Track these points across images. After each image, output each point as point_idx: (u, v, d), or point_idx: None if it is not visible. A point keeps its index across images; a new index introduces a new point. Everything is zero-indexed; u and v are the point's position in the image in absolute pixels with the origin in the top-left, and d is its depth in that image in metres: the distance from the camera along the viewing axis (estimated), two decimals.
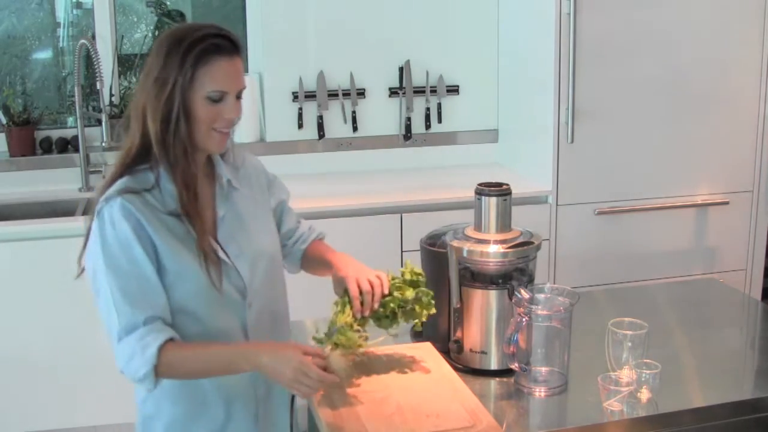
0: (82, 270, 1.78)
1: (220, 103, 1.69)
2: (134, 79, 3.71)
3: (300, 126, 3.65)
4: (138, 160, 1.72)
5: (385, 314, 1.91)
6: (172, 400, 1.80)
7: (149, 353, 1.63)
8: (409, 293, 1.91)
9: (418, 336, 2.12)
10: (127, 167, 1.73)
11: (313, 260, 2.06)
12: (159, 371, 1.65)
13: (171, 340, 1.65)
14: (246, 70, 3.68)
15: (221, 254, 1.75)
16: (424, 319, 1.92)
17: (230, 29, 1.72)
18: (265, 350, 1.69)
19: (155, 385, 1.67)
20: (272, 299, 1.90)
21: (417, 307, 1.91)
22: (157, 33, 3.76)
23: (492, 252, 1.91)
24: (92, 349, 3.07)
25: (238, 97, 1.73)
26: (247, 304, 1.80)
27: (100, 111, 3.42)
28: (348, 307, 1.89)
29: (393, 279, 1.96)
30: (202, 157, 1.77)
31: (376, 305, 1.88)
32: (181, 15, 3.79)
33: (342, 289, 1.92)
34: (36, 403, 3.07)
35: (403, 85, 3.73)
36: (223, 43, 1.67)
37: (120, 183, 1.71)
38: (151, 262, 1.67)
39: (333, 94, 3.68)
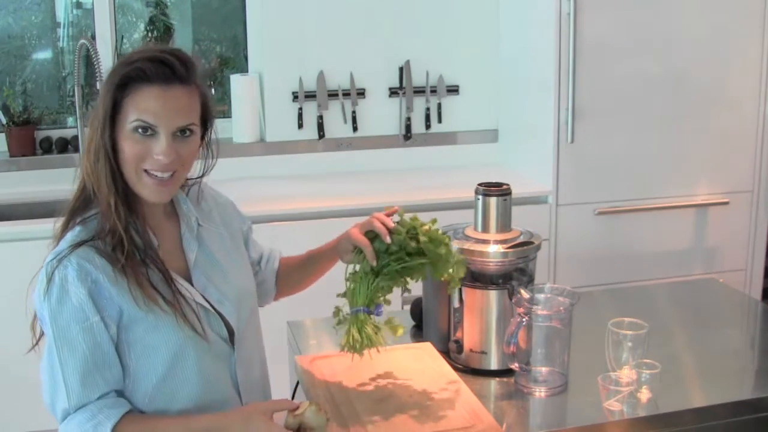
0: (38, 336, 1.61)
1: (151, 138, 1.47)
2: None
3: (300, 126, 3.65)
4: (84, 205, 1.55)
5: (408, 252, 1.71)
6: None
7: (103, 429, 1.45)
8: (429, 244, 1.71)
9: (417, 336, 2.12)
10: (75, 213, 1.56)
11: (295, 268, 1.93)
12: None
13: (126, 413, 1.47)
14: (246, 70, 3.69)
15: (200, 300, 1.57)
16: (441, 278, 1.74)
17: (185, 55, 1.49)
18: (233, 422, 1.48)
19: None
20: (257, 342, 1.76)
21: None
22: (157, 35, 3.76)
23: (492, 252, 1.91)
24: None
25: (181, 135, 1.49)
26: (235, 353, 1.63)
27: None
28: (364, 262, 1.73)
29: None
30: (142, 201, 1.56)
31: (390, 225, 1.69)
32: (168, 28, 3.79)
33: (350, 251, 1.75)
34: (36, 403, 3.06)
35: (403, 85, 3.73)
36: (156, 69, 1.45)
37: (71, 236, 1.51)
38: (108, 328, 1.48)
39: (333, 94, 3.68)
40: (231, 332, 1.63)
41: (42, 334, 1.59)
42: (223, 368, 1.62)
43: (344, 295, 1.80)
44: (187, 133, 1.50)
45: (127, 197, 1.51)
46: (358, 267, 1.80)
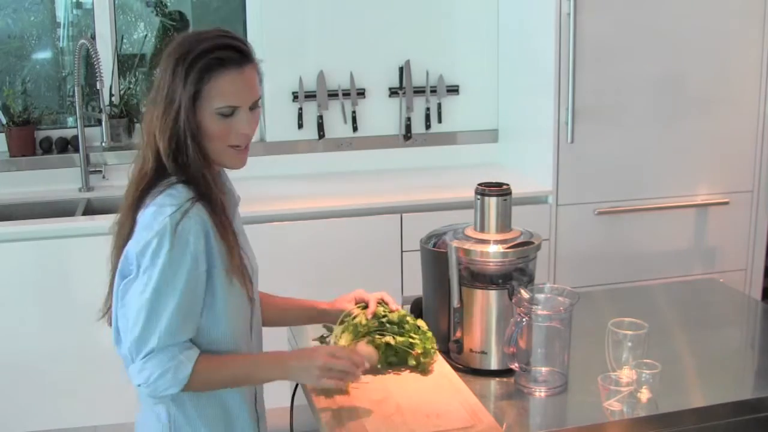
0: (108, 309, 1.73)
1: (232, 117, 1.61)
2: (134, 79, 3.71)
3: (300, 126, 3.65)
4: (154, 182, 1.64)
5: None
6: (206, 423, 1.72)
7: (183, 374, 1.60)
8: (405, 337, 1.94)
9: None
10: (151, 186, 1.64)
11: (273, 307, 1.98)
12: (186, 387, 1.62)
13: (199, 357, 1.62)
14: None
15: (248, 268, 1.71)
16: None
17: (237, 34, 1.65)
18: (292, 355, 1.76)
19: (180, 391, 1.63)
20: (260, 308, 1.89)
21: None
22: (157, 36, 3.76)
23: (492, 252, 1.91)
24: (92, 349, 3.07)
25: (253, 107, 1.65)
26: (253, 311, 1.77)
27: (100, 111, 3.42)
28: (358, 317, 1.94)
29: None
30: (216, 174, 1.69)
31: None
32: (181, 15, 3.79)
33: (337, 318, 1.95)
34: (36, 403, 3.07)
35: (403, 85, 3.73)
36: (230, 55, 1.59)
37: (183, 192, 1.60)
38: (207, 279, 1.62)
39: (333, 94, 3.68)
40: (253, 293, 1.77)
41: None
42: (246, 323, 1.76)
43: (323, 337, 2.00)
44: (257, 104, 1.65)
45: (204, 175, 1.63)
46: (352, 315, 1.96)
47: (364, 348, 1.86)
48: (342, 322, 1.95)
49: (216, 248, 1.61)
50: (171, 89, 1.59)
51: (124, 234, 1.67)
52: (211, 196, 1.62)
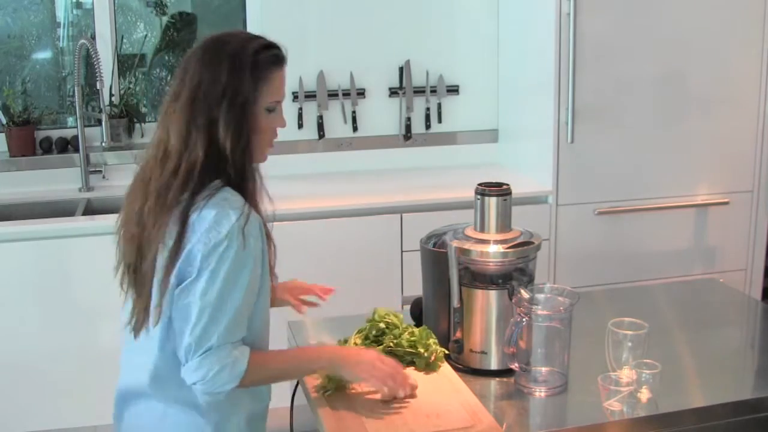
0: (159, 318, 1.67)
1: (275, 113, 1.70)
2: (134, 79, 3.71)
3: (300, 126, 3.65)
4: (203, 176, 1.64)
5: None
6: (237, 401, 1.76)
7: (240, 369, 1.64)
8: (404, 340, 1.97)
9: None
10: (198, 183, 1.64)
11: None
12: (240, 383, 1.66)
13: (251, 352, 1.68)
14: None
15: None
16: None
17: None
18: (343, 349, 1.87)
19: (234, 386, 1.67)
20: None
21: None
22: (163, 35, 3.76)
23: (492, 252, 1.91)
24: (92, 349, 3.07)
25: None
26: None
27: (100, 111, 3.42)
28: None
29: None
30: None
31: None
32: (188, 15, 3.79)
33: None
34: (36, 403, 3.07)
35: (403, 85, 3.73)
36: (279, 53, 1.69)
37: (237, 198, 1.65)
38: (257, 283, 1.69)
39: (333, 94, 3.68)
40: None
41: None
42: (268, 308, 1.82)
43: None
44: None
45: (252, 169, 1.72)
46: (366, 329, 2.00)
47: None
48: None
49: (265, 249, 1.70)
50: (232, 86, 1.62)
51: (162, 234, 1.63)
52: (256, 195, 1.71)
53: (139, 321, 1.69)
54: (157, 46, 3.76)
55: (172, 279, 1.64)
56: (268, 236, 1.74)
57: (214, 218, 1.61)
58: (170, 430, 1.74)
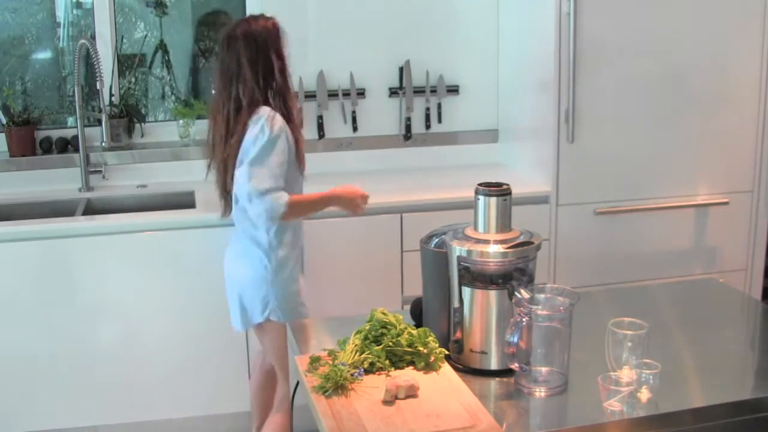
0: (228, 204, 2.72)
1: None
2: (134, 79, 3.72)
3: (300, 126, 3.65)
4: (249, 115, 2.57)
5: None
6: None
7: (284, 201, 2.51)
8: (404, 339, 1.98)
9: None
10: (247, 119, 2.55)
11: None
12: (286, 212, 2.52)
13: (290, 195, 2.55)
14: None
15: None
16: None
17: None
18: (337, 193, 2.73)
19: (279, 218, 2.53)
20: None
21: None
22: (167, 34, 3.77)
23: (492, 252, 1.91)
24: (92, 349, 3.08)
25: None
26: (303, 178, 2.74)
27: (100, 111, 3.42)
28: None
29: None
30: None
31: None
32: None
33: None
34: (36, 403, 3.07)
35: (403, 85, 3.73)
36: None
37: (265, 108, 2.55)
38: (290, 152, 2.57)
39: (333, 94, 3.68)
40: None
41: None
42: (301, 183, 2.75)
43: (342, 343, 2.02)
44: None
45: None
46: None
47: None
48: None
49: (290, 145, 2.58)
50: (263, 57, 2.57)
51: (232, 143, 2.58)
52: (290, 116, 2.61)
53: (227, 210, 2.74)
54: (160, 44, 3.76)
55: (236, 167, 2.56)
56: (297, 132, 2.64)
57: (254, 122, 2.54)
58: (249, 260, 2.66)
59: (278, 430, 2.74)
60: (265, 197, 2.49)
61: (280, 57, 2.60)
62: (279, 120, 2.53)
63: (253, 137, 2.52)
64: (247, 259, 2.67)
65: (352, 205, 2.72)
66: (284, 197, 2.51)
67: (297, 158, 2.63)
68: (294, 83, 3.61)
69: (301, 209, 2.63)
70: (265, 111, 2.55)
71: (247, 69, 2.55)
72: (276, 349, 2.73)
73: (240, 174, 2.54)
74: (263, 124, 2.51)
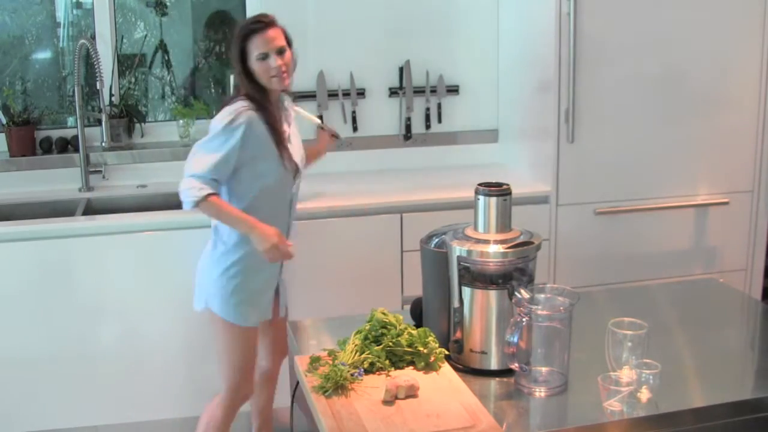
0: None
1: (267, 60, 2.54)
2: (134, 79, 3.72)
3: (300, 126, 3.64)
4: (232, 99, 2.60)
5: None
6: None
7: (202, 194, 2.45)
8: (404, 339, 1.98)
9: None
10: (229, 102, 2.59)
11: None
12: (200, 206, 2.47)
13: (215, 194, 2.49)
14: None
15: (294, 156, 2.65)
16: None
17: (267, 13, 2.60)
18: (258, 226, 2.51)
19: (195, 208, 2.49)
20: (296, 198, 2.76)
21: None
22: (167, 34, 3.77)
23: (492, 252, 1.91)
24: (92, 349, 3.08)
25: (280, 52, 2.55)
26: (295, 181, 2.68)
27: (100, 111, 3.42)
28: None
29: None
30: (275, 95, 2.63)
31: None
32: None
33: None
34: (36, 403, 3.07)
35: (403, 85, 3.73)
36: (256, 24, 2.55)
37: (239, 102, 2.54)
38: (241, 153, 2.50)
39: (333, 94, 3.68)
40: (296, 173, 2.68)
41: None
42: (287, 193, 2.68)
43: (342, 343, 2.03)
44: (283, 50, 2.57)
45: (262, 95, 2.59)
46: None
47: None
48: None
49: (261, 133, 2.53)
50: (235, 50, 2.57)
51: None
52: (266, 107, 2.57)
53: None
54: (160, 44, 3.76)
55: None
56: (279, 134, 2.59)
57: (226, 108, 2.56)
58: (210, 243, 2.70)
59: (212, 424, 2.73)
60: (190, 179, 2.48)
61: (246, 50, 2.55)
62: (244, 117, 2.51)
63: (216, 122, 2.54)
64: (209, 241, 2.69)
65: (264, 245, 2.49)
66: (205, 191, 2.46)
67: (277, 150, 2.58)
68: (294, 83, 3.63)
69: (214, 212, 2.53)
70: (237, 103, 2.56)
71: (234, 61, 2.60)
72: (217, 343, 2.69)
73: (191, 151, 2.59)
74: (226, 115, 2.52)
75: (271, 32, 2.57)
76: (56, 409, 3.08)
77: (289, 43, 2.63)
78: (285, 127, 2.66)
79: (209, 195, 2.46)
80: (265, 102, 2.58)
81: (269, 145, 2.56)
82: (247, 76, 2.58)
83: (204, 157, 2.50)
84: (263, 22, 2.57)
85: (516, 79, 3.67)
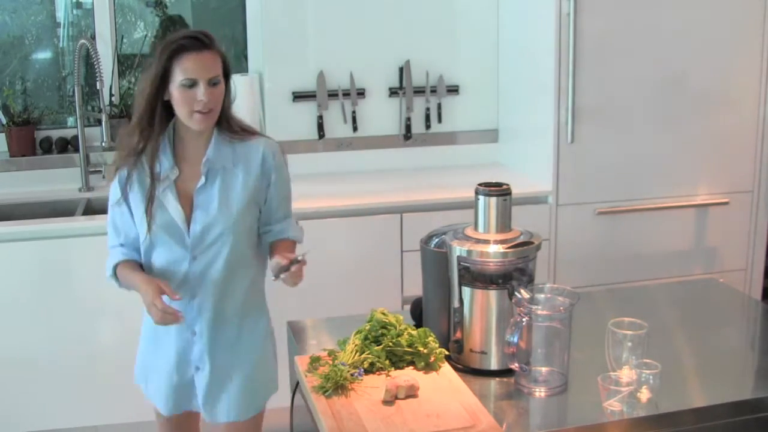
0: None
1: (194, 89, 2.02)
2: (134, 79, 3.72)
3: (300, 126, 3.65)
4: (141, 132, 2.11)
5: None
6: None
7: (110, 264, 2.16)
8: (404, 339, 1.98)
9: None
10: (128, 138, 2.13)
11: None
12: (117, 275, 2.16)
13: (127, 260, 2.14)
14: (246, 70, 3.70)
15: (171, 205, 2.11)
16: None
17: (207, 31, 2.08)
18: (142, 282, 2.08)
19: (115, 281, 2.18)
20: (222, 269, 2.13)
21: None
22: (158, 36, 3.76)
23: (492, 252, 1.91)
24: (92, 349, 3.07)
25: (213, 84, 2.04)
26: (191, 257, 2.12)
27: (100, 111, 3.42)
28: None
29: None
30: (193, 133, 2.10)
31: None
32: (181, 18, 3.80)
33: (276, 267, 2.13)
34: (36, 403, 3.07)
35: (403, 85, 3.73)
36: (191, 42, 2.03)
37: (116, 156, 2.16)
38: (128, 208, 2.13)
39: (333, 94, 3.68)
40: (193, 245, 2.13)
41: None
42: (179, 263, 2.13)
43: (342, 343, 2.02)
44: (216, 81, 2.05)
45: (161, 131, 2.11)
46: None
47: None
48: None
49: (137, 189, 2.11)
50: (152, 69, 2.05)
51: None
52: (156, 151, 2.10)
53: None
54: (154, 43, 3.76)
55: None
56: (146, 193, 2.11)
57: None
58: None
59: None
60: (109, 251, 2.20)
61: (170, 70, 2.04)
62: (122, 173, 2.13)
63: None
64: None
65: (145, 300, 2.06)
66: (112, 260, 2.17)
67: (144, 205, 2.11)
68: (294, 83, 3.65)
69: (122, 279, 2.16)
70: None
71: (148, 80, 2.09)
72: None
73: None
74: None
75: (208, 56, 2.04)
76: (56, 409, 3.08)
77: (226, 74, 2.10)
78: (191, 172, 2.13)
79: (120, 262, 2.15)
80: (158, 137, 2.09)
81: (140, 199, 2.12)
82: (157, 100, 2.06)
83: (108, 225, 2.21)
84: (200, 41, 2.04)
85: (516, 79, 3.67)
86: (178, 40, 2.04)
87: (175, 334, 2.17)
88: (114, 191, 2.15)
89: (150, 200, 2.09)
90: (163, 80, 2.04)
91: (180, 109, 2.05)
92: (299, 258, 2.07)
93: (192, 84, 2.01)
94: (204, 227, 2.10)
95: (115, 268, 2.17)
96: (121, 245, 2.17)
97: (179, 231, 2.10)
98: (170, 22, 3.77)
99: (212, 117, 2.07)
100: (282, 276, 2.04)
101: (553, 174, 3.32)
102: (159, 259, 2.13)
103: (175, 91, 2.03)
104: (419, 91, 3.75)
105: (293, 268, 2.04)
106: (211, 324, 2.14)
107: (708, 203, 3.48)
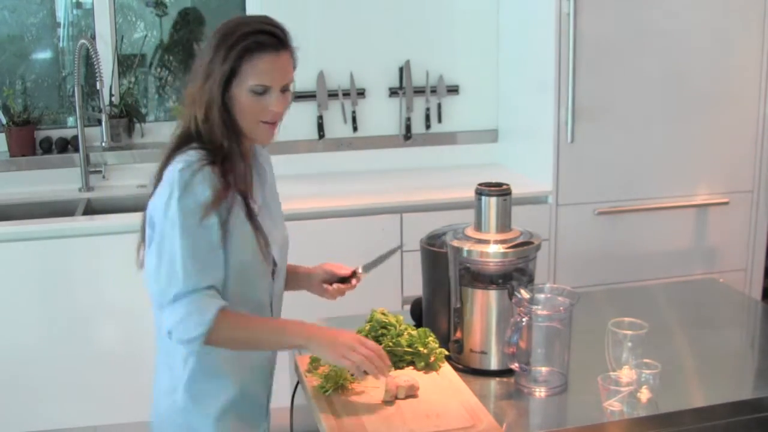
0: (142, 263, 1.80)
1: (264, 96, 1.74)
2: (134, 79, 3.72)
3: (300, 126, 3.65)
4: (184, 143, 1.76)
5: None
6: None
7: (208, 316, 1.65)
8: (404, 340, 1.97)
9: None
10: (176, 150, 1.75)
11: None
12: (209, 336, 1.66)
13: (225, 308, 1.69)
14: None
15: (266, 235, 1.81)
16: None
17: (278, 22, 1.79)
18: (322, 328, 1.77)
19: (200, 347, 1.69)
20: (283, 281, 1.97)
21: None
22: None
23: (492, 252, 1.91)
24: (92, 349, 3.08)
25: (285, 90, 1.77)
26: (274, 282, 1.88)
27: (100, 111, 3.42)
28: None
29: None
30: (247, 145, 1.81)
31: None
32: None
33: (322, 281, 2.01)
34: (36, 403, 3.07)
35: (403, 85, 3.73)
36: (268, 39, 1.72)
37: (195, 154, 1.72)
38: (222, 232, 1.70)
39: (333, 94, 3.68)
40: (275, 264, 1.87)
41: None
42: (266, 291, 1.86)
43: None
44: (288, 88, 1.78)
45: (229, 142, 1.75)
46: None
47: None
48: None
49: (226, 207, 1.71)
50: (210, 65, 1.71)
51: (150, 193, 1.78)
52: (232, 163, 1.73)
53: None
54: (160, 44, 3.76)
55: (144, 244, 1.81)
56: (249, 209, 1.77)
57: (168, 172, 1.71)
58: (156, 384, 1.87)
59: None
60: (176, 305, 1.67)
61: (239, 72, 1.72)
62: (205, 174, 1.69)
63: (157, 203, 1.72)
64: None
65: (346, 345, 1.75)
66: (208, 312, 1.67)
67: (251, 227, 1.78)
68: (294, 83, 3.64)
69: (237, 337, 1.73)
70: (189, 155, 1.72)
71: (215, 80, 1.73)
72: None
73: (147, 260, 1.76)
74: (174, 180, 1.68)
75: (285, 57, 1.75)
76: (56, 409, 3.08)
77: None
78: (257, 192, 1.84)
79: (219, 310, 1.67)
80: (230, 153, 1.74)
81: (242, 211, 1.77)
82: (221, 108, 1.71)
83: (167, 258, 1.68)
84: (278, 38, 1.74)
85: (516, 79, 3.67)
86: (254, 34, 1.71)
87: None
88: (200, 204, 1.67)
89: (255, 226, 1.76)
90: (227, 81, 1.71)
91: (244, 117, 1.74)
92: (359, 271, 2.03)
93: (264, 91, 1.73)
94: (281, 246, 1.89)
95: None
96: (211, 287, 1.69)
97: (267, 255, 1.82)
98: (184, 16, 3.77)
99: (277, 128, 1.81)
100: (335, 286, 2.01)
101: (553, 174, 3.32)
102: (240, 281, 1.78)
103: (243, 95, 1.72)
104: (419, 91, 3.75)
105: (353, 281, 2.00)
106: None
107: (708, 203, 3.48)
